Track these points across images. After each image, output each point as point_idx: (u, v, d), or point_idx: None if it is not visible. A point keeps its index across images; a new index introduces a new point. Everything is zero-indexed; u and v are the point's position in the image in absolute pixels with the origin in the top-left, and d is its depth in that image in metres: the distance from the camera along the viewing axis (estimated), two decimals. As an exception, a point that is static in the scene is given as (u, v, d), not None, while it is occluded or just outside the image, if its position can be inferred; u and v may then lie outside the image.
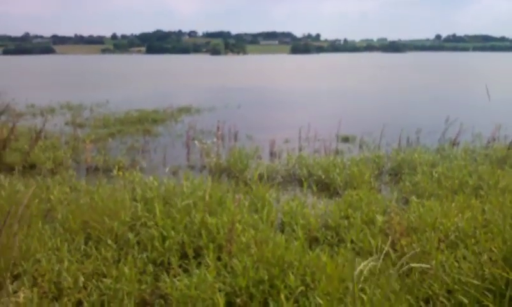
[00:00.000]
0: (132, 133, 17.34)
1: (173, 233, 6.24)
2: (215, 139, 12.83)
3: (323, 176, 10.13)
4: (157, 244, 6.11)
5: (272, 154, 13.76)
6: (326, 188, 9.88)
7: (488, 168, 9.83)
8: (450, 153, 12.11)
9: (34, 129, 15.41)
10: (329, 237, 6.59)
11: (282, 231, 6.82)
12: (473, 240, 5.99)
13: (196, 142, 12.65)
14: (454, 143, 13.84)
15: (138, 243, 6.31)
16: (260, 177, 10.34)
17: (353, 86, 43.17)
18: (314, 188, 8.51)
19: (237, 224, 6.22)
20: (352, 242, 6.23)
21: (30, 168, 11.77)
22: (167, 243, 6.09)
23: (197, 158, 12.69)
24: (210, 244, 5.87)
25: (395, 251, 5.90)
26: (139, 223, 6.86)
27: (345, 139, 16.10)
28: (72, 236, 6.49)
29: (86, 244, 6.35)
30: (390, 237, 6.05)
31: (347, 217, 7.09)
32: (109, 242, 6.16)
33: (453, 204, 7.16)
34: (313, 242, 6.55)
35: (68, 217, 6.91)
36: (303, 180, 10.37)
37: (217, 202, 7.28)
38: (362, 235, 6.28)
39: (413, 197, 8.22)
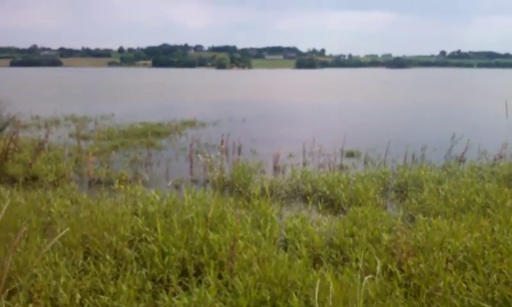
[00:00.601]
0: (136, 145, 17.29)
1: (173, 249, 6.09)
2: (219, 153, 12.71)
3: (327, 192, 9.98)
4: (156, 260, 5.96)
5: (276, 168, 13.64)
6: (330, 204, 9.72)
7: (495, 186, 9.65)
8: (456, 170, 11.95)
9: (38, 140, 15.39)
10: (333, 256, 6.41)
11: (285, 249, 6.66)
12: (482, 261, 5.81)
13: (199, 155, 12.55)
14: (461, 160, 13.63)
15: (137, 259, 6.17)
16: (264, 192, 10.22)
17: (358, 101, 43.16)
18: (320, 205, 8.31)
19: (239, 241, 6.07)
20: (357, 260, 6.06)
21: (32, 180, 11.69)
22: (167, 259, 5.94)
23: (200, 172, 12.58)
24: (211, 261, 5.73)
25: (401, 271, 5.72)
26: (139, 238, 6.73)
27: (350, 154, 15.96)
28: (71, 251, 6.36)
29: (84, 259, 6.22)
30: (396, 257, 5.89)
31: (352, 235, 6.91)
32: (108, 257, 6.02)
33: (461, 224, 6.97)
34: (317, 260, 6.38)
35: (68, 231, 6.77)
36: (308, 195, 10.26)
37: (218, 217, 7.14)
38: (368, 254, 6.10)
39: (420, 216, 8.07)
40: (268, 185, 10.64)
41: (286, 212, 8.88)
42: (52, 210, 8.08)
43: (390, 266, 5.75)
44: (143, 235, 6.70)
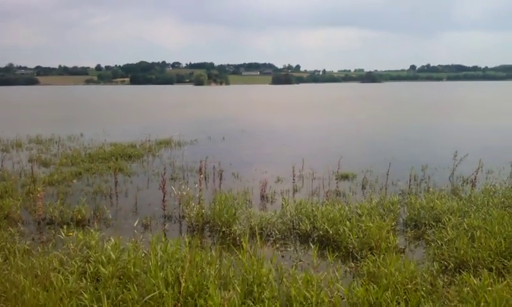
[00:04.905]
0: (102, 171, 15.17)
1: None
2: (196, 182, 10.75)
3: (330, 231, 8.14)
4: None
5: (263, 197, 11.76)
6: (335, 247, 7.88)
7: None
8: (472, 196, 10.29)
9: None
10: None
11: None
12: None
13: (173, 188, 10.55)
14: (473, 183, 12.01)
15: None
16: (252, 233, 8.37)
17: (339, 117, 41.86)
18: (329, 257, 6.35)
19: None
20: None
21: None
22: None
23: (175, 205, 10.59)
24: None
25: None
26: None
27: (345, 177, 14.19)
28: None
29: None
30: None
31: (380, 306, 5.07)
32: None
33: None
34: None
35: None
36: (306, 235, 8.47)
37: (196, 284, 5.21)
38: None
39: (452, 264, 6.34)
40: (257, 223, 8.80)
41: (283, 262, 6.97)
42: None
43: None
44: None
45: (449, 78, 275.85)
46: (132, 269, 5.58)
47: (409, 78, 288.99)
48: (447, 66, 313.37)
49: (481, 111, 46.16)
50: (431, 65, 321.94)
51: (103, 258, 5.88)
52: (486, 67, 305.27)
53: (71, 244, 6.96)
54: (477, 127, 30.69)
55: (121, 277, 5.64)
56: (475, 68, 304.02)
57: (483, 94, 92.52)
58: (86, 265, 6.03)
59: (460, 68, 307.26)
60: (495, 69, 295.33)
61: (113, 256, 5.81)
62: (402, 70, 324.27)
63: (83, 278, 5.75)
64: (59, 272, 5.85)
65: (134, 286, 5.02)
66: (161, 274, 5.19)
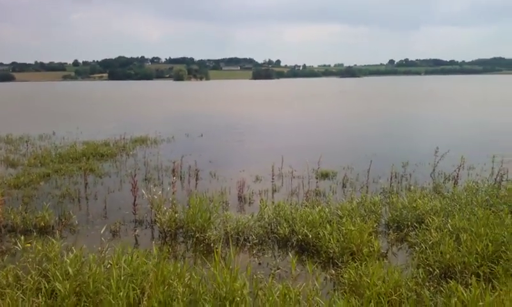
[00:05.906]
0: (72, 172, 14.46)
1: None
2: (169, 188, 10.17)
3: (310, 236, 7.73)
4: None
5: (241, 198, 11.29)
6: (315, 252, 7.48)
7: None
8: (455, 195, 10.00)
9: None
10: None
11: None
12: None
13: (143, 191, 9.98)
14: (455, 181, 11.75)
15: None
16: (228, 238, 7.91)
17: (318, 113, 41.64)
18: (309, 268, 5.86)
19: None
20: None
21: None
22: None
23: (147, 209, 10.02)
24: None
25: None
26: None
27: (325, 175, 13.83)
28: None
29: None
30: None
31: (362, 320, 4.68)
32: None
33: None
34: None
35: None
36: (285, 240, 8.05)
37: (161, 303, 4.72)
38: None
39: (437, 270, 5.98)
40: (233, 227, 8.33)
41: (259, 270, 6.53)
42: None
43: None
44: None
45: (427, 72, 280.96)
46: (91, 286, 5.05)
47: (388, 72, 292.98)
48: (425, 61, 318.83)
49: (462, 105, 46.56)
50: (409, 59, 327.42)
51: (57, 273, 5.31)
52: (463, 61, 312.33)
53: (29, 256, 6.37)
54: (457, 121, 30.80)
55: (81, 294, 5.11)
56: (452, 62, 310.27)
57: (462, 87, 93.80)
58: (43, 280, 5.46)
59: (438, 62, 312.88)
60: (471, 63, 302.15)
61: (71, 271, 5.26)
62: (381, 65, 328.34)
63: (39, 295, 5.20)
64: (14, 289, 5.30)
65: (91, 306, 4.50)
66: (121, 293, 4.68)
